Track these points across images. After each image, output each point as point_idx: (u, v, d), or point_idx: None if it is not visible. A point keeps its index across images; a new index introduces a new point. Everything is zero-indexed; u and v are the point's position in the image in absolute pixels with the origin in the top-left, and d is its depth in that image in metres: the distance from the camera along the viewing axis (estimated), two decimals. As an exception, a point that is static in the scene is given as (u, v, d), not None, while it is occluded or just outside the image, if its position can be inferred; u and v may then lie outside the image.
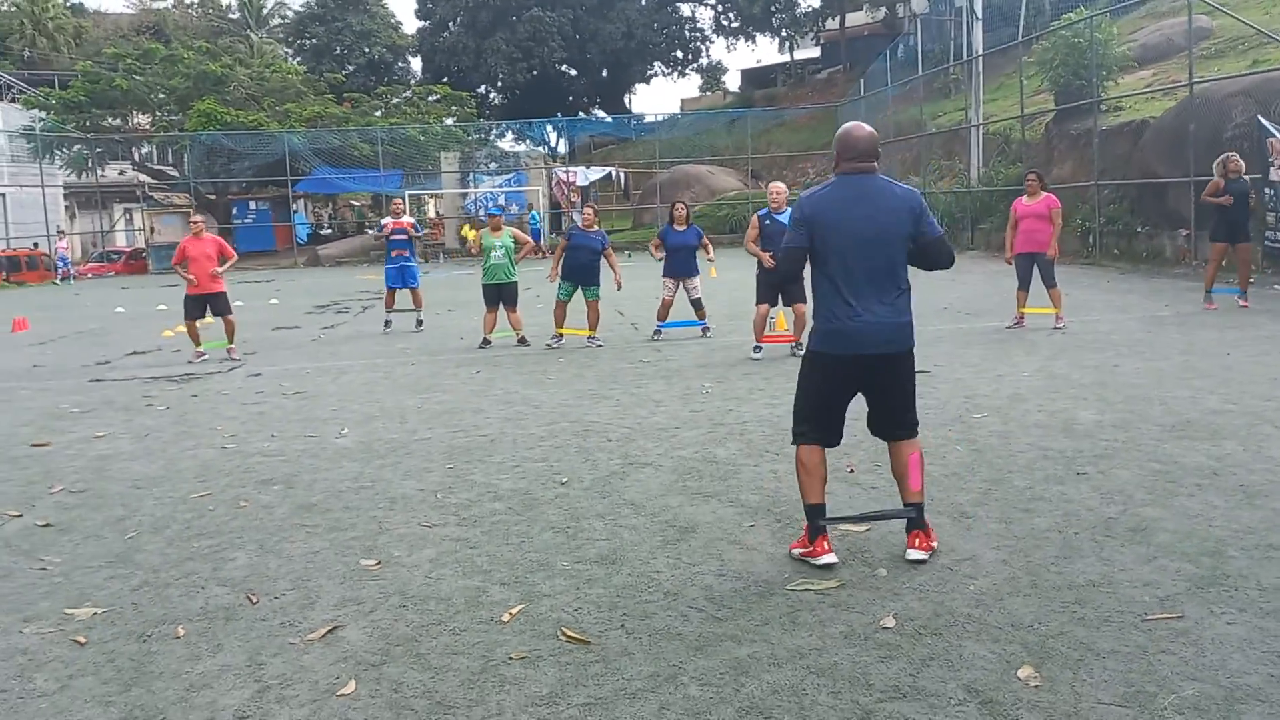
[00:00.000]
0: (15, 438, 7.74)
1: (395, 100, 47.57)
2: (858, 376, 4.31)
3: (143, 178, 41.96)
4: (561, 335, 11.67)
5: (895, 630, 3.60)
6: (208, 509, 5.50)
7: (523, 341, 11.89)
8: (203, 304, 11.88)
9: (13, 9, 64.19)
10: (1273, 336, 9.81)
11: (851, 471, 5.70)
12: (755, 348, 10.03)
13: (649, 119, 53.74)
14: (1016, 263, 11.35)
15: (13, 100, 44.27)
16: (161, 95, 40.65)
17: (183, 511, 5.46)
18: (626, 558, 4.45)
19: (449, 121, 45.83)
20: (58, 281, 33.44)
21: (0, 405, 9.29)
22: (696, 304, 11.82)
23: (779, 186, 10.08)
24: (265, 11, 68.28)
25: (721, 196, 38.75)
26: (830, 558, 4.22)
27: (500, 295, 11.92)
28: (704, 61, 68.73)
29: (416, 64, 64.84)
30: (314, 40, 60.97)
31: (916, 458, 4.39)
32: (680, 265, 11.71)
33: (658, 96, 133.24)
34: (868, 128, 4.39)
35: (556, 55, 59.70)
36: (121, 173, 42.79)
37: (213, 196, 41.42)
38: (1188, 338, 9.97)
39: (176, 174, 42.02)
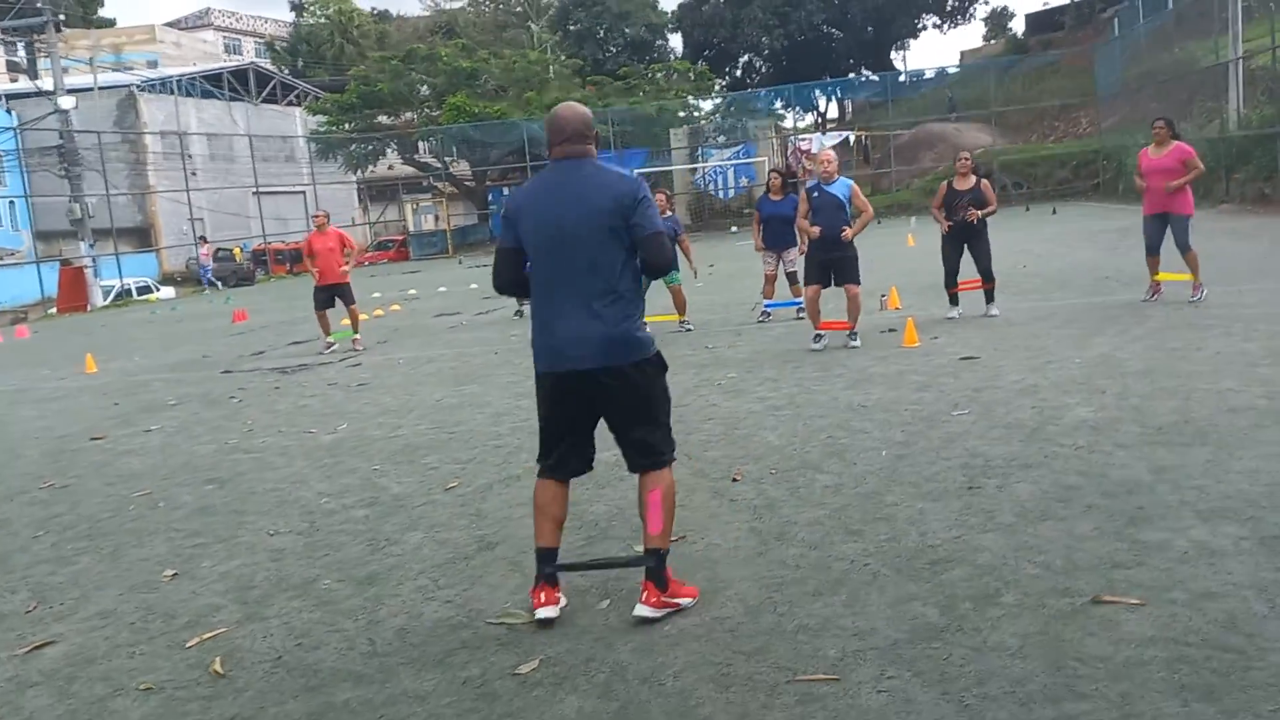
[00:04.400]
0: (94, 429, 8.62)
1: (655, 76, 47.99)
2: (579, 395, 3.72)
3: (409, 170, 45.25)
4: (647, 323, 11.42)
5: (521, 678, 3.30)
6: (126, 509, 5.89)
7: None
8: (330, 294, 12.61)
9: (324, 20, 70.85)
10: None
11: (735, 480, 5.27)
12: (815, 336, 9.27)
13: (902, 77, 51.59)
14: (1145, 225, 9.91)
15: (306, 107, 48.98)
16: (425, 91, 43.62)
17: (103, 511, 5.89)
18: (391, 579, 4.34)
19: (716, 93, 46.06)
20: (206, 290, 31.93)
21: (126, 396, 10.39)
22: (791, 277, 11.27)
23: (829, 154, 9.34)
24: (544, 2, 71.20)
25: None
26: (547, 611, 3.67)
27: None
28: (978, 9, 64.85)
29: (676, 40, 65.61)
30: (577, 26, 62.96)
31: (657, 496, 3.69)
32: (777, 237, 11.18)
33: (934, 49, 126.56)
34: (579, 107, 3.88)
35: (814, 17, 58.23)
36: (390, 166, 46.32)
37: (471, 184, 44.06)
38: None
39: (439, 164, 44.88)
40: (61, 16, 37.54)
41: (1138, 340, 7.96)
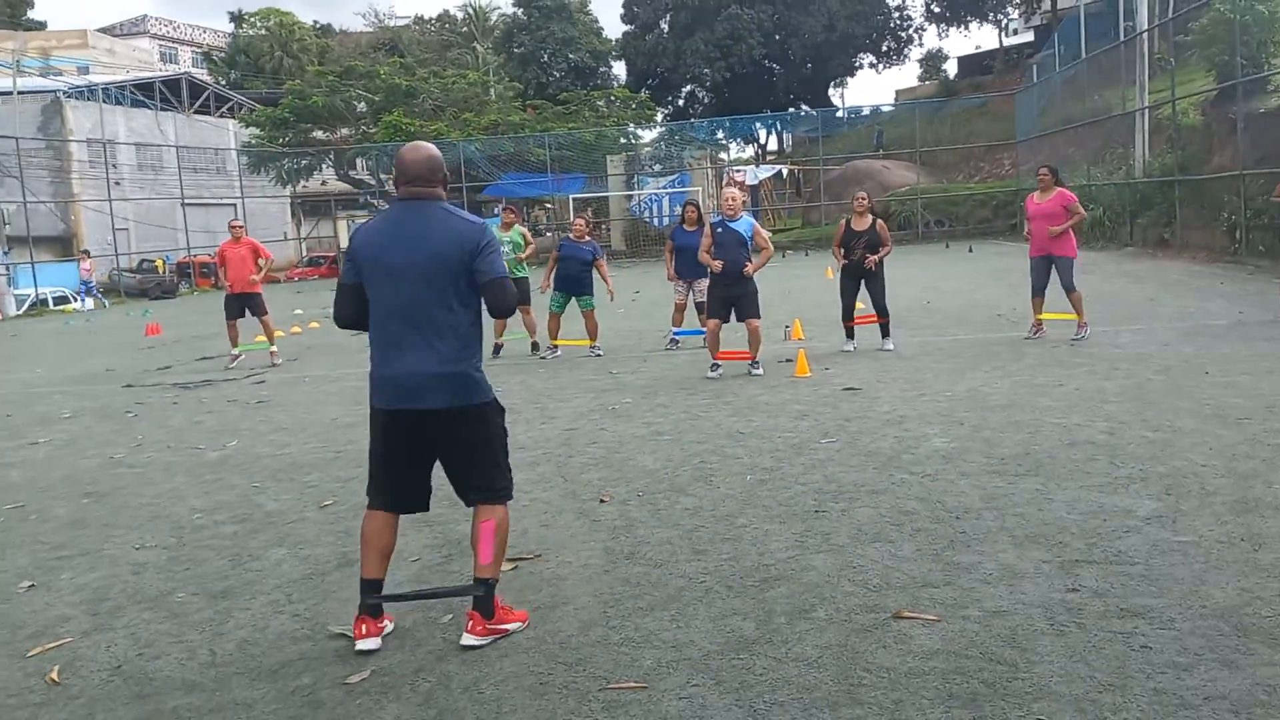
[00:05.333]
0: (-19, 442, 8.55)
1: (596, 103, 48.26)
2: (414, 433, 3.77)
3: (344, 186, 45.04)
4: (557, 347, 11.63)
5: (349, 687, 3.44)
6: (-4, 521, 5.90)
7: (535, 347, 11.91)
8: (241, 304, 12.61)
9: (264, 32, 70.21)
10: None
11: (603, 501, 5.45)
12: (713, 366, 9.56)
13: (840, 113, 53.01)
14: (1031, 267, 10.38)
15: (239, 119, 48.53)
16: (362, 108, 43.52)
17: (-28, 522, 5.89)
18: (245, 593, 4.44)
19: (658, 122, 46.57)
20: (78, 308, 29.47)
21: (21, 408, 10.28)
22: (700, 307, 11.51)
23: (732, 192, 9.71)
24: (490, 23, 71.35)
25: (893, 192, 37.32)
26: (367, 643, 3.68)
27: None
28: (913, 51, 66.54)
29: (620, 68, 66.29)
30: (521, 49, 63.28)
31: (490, 527, 3.76)
32: (689, 267, 11.39)
33: (871, 87, 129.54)
34: (427, 148, 3.87)
35: (755, 52, 59.28)
36: (324, 183, 46.03)
37: (405, 203, 43.97)
38: (1202, 353, 8.82)
39: (374, 182, 44.70)
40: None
41: (1009, 376, 8.33)
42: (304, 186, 45.52)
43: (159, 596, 4.45)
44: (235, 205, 45.61)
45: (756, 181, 39.14)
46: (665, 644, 3.59)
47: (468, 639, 3.68)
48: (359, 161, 45.43)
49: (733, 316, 9.37)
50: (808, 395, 8.14)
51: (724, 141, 55.16)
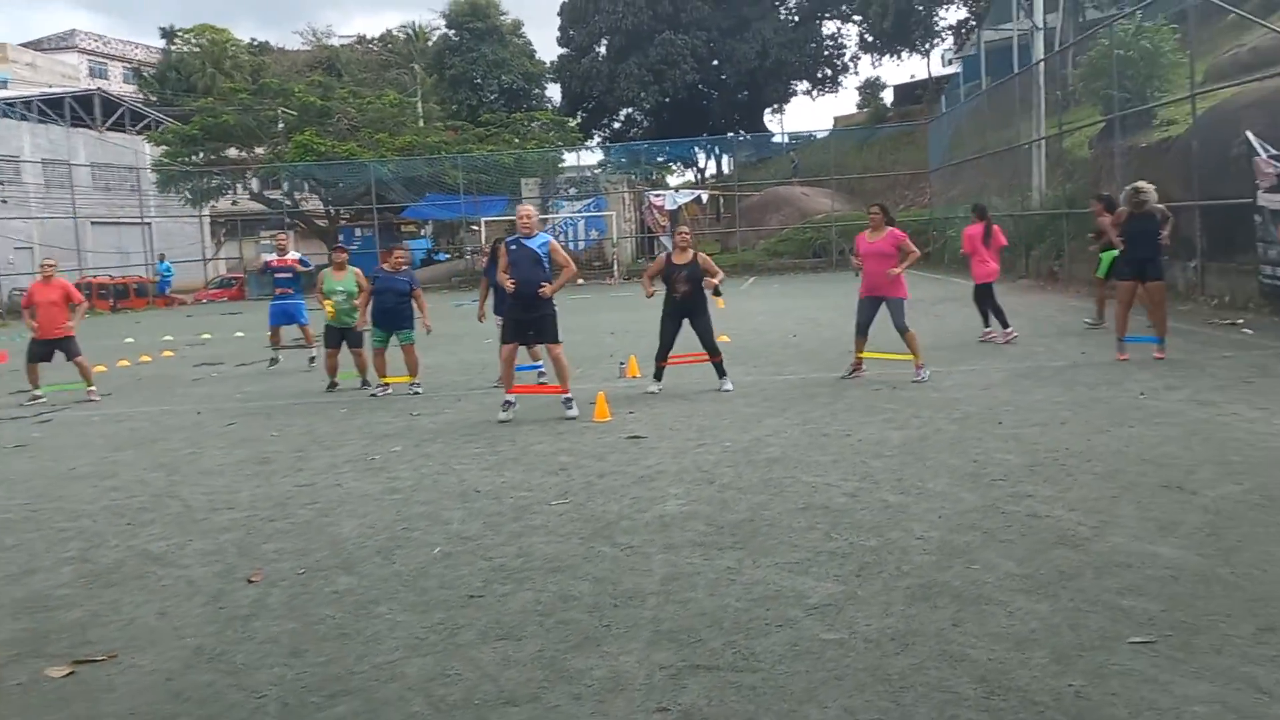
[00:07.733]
0: None
1: (523, 126, 47.66)
2: None
3: (255, 206, 44.05)
4: (388, 384, 10.93)
5: None
6: None
7: (366, 384, 11.30)
8: (48, 349, 11.73)
9: (196, 49, 68.85)
10: (1099, 400, 8.09)
11: (252, 581, 4.80)
12: (505, 404, 8.93)
13: (777, 139, 53.28)
14: (859, 306, 9.91)
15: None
16: (280, 126, 42.54)
17: None
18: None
19: (595, 144, 46.06)
20: None
21: None
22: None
23: (527, 209, 9.20)
24: (430, 44, 70.62)
25: (809, 219, 37.13)
26: None
27: (343, 337, 11.37)
28: (848, 79, 67.01)
29: (556, 91, 65.93)
30: (452, 70, 62.69)
31: None
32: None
33: (809, 114, 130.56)
34: None
35: (689, 77, 59.18)
36: (234, 203, 45.00)
37: (322, 223, 43.00)
38: (1014, 400, 8.36)
39: (288, 202, 43.71)
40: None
41: (808, 423, 7.80)
42: (214, 207, 44.49)
43: None
44: (151, 224, 44.52)
45: (676, 206, 38.64)
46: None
47: None
48: (255, 180, 44.47)
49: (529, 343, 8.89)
50: (587, 444, 7.54)
51: (669, 165, 55.10)
